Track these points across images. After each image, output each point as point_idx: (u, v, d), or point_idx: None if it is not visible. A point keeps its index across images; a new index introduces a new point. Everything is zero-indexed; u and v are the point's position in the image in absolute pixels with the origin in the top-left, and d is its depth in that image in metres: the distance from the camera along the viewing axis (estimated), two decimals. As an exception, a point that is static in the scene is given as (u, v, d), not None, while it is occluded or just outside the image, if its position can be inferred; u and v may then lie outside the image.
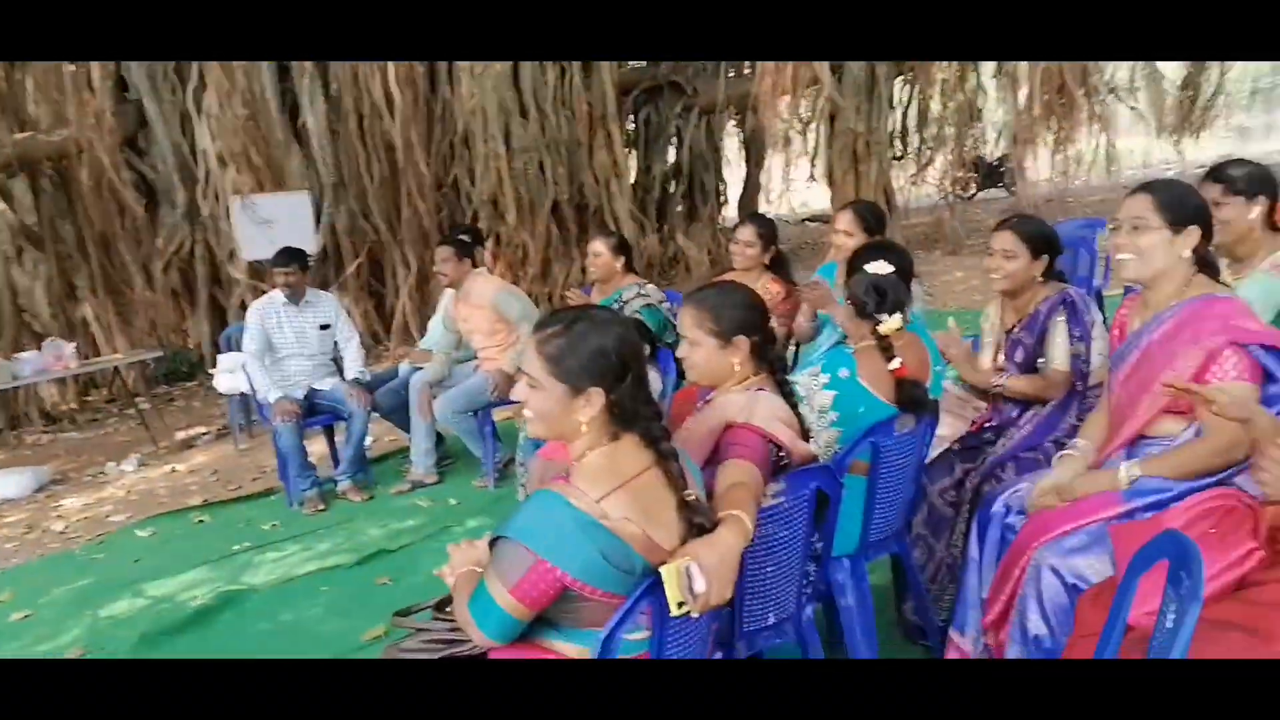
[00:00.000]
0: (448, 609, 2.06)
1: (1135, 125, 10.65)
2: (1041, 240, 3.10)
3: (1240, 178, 2.96)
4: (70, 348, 6.81)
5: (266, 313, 5.43)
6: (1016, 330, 3.19)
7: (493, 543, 1.84)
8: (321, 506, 5.23)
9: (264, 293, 6.14)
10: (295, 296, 5.45)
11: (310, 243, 8.41)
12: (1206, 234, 2.48)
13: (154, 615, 4.06)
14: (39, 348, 7.04)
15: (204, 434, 7.39)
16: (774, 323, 4.28)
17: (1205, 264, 2.51)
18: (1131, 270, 2.50)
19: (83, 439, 7.77)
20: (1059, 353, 3.05)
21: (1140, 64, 10.34)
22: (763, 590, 2.32)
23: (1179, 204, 2.45)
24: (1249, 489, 2.25)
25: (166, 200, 9.43)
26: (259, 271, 8.82)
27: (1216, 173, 3.03)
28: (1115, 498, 2.40)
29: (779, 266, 4.68)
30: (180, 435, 7.33)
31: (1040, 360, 3.11)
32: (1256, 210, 2.94)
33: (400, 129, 9.65)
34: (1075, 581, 2.31)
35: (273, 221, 8.24)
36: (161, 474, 6.41)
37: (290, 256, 5.43)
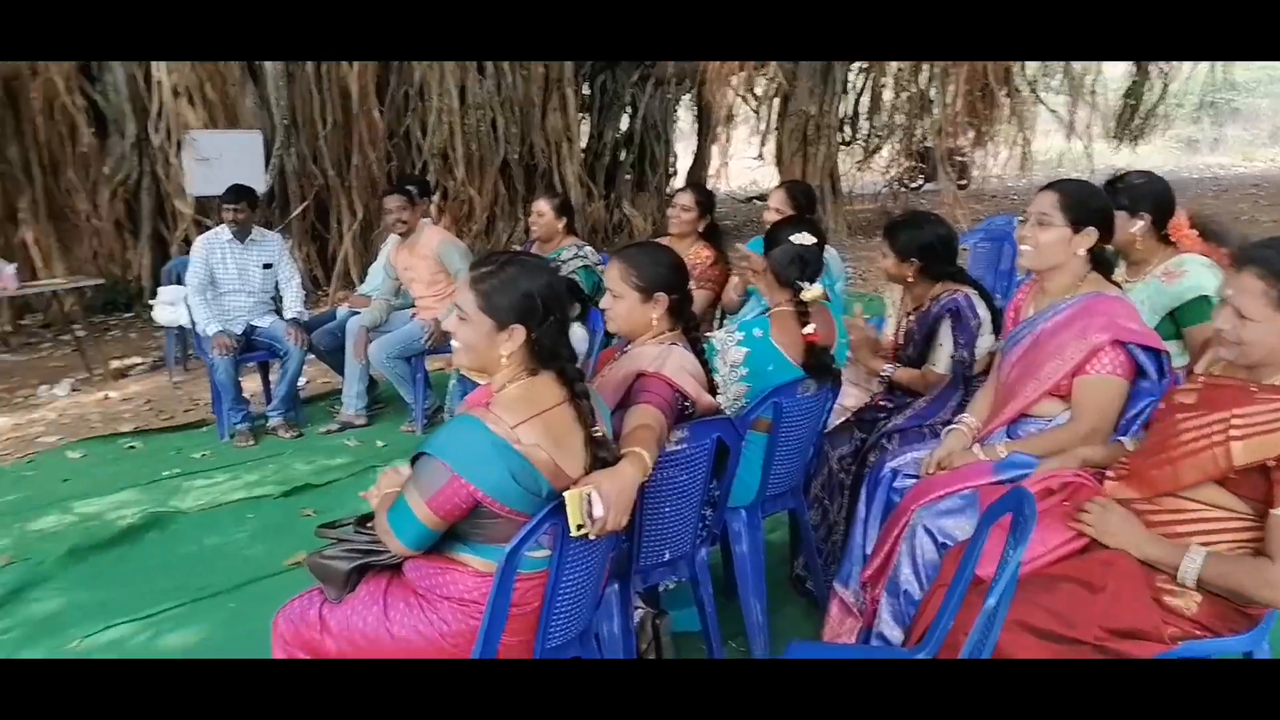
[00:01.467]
0: (369, 524, 2.23)
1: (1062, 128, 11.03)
2: (914, 247, 3.32)
3: (1124, 191, 3.06)
4: (10, 269, 6.75)
5: (212, 247, 5.48)
6: (911, 319, 3.43)
7: (415, 459, 2.02)
8: (252, 441, 5.35)
9: (209, 228, 6.19)
10: (241, 234, 5.51)
11: (259, 182, 8.38)
12: (1105, 235, 2.70)
13: (82, 531, 4.16)
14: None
15: (139, 364, 7.39)
16: (701, 286, 4.52)
17: (1100, 262, 2.73)
18: (1028, 260, 2.74)
19: (15, 361, 7.71)
20: (941, 357, 3.29)
21: (1064, 69, 10.68)
22: (660, 528, 2.53)
23: (1081, 205, 2.66)
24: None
25: (116, 130, 9.28)
26: (206, 207, 8.79)
27: (1109, 184, 3.14)
28: (988, 468, 2.65)
29: (713, 235, 4.89)
30: (115, 364, 7.32)
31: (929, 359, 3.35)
32: (1138, 225, 3.03)
33: (357, 76, 9.66)
34: (945, 540, 2.54)
35: (223, 158, 8.23)
36: (94, 400, 6.43)
37: (240, 194, 5.50)
